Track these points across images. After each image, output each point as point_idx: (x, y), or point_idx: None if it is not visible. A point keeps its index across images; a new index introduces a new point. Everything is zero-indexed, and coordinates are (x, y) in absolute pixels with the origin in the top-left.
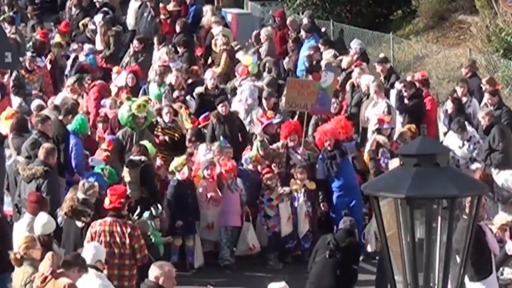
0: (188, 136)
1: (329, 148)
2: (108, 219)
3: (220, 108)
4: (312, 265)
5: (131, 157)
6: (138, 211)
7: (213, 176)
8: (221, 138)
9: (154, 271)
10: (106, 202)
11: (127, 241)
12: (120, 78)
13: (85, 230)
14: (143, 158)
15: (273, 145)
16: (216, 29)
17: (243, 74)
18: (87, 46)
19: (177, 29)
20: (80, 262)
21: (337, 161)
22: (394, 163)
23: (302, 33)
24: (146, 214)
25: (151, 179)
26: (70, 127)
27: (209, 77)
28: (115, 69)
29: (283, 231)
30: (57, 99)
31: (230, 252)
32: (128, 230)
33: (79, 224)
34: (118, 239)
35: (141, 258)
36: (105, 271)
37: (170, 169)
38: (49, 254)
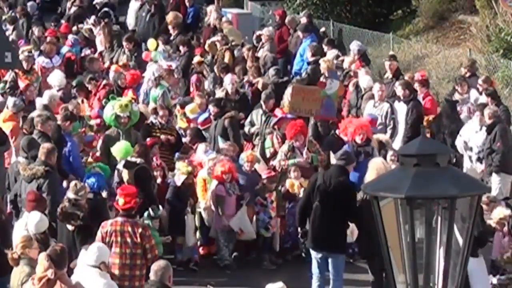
0: (187, 136)
1: (359, 142)
2: (119, 219)
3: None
4: (302, 209)
5: (129, 158)
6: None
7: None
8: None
9: (153, 270)
10: (120, 202)
11: (139, 240)
12: (52, 77)
13: (76, 233)
14: (138, 160)
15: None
16: (226, 29)
17: (146, 58)
18: (71, 37)
19: (171, 31)
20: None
21: (359, 160)
22: (374, 163)
23: (299, 33)
24: (145, 215)
25: (146, 181)
26: None
27: (229, 82)
28: (113, 67)
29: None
30: (43, 98)
31: (229, 252)
32: (140, 230)
33: (70, 227)
34: (129, 239)
35: (151, 258)
36: (117, 272)
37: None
38: (44, 255)
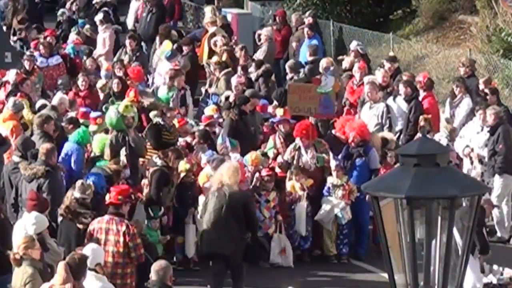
0: (196, 138)
1: (352, 145)
2: (106, 216)
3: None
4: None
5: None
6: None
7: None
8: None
9: (154, 270)
10: (107, 198)
11: (121, 239)
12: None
13: (85, 231)
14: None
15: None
16: (211, 29)
17: None
18: (72, 36)
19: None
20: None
21: (352, 160)
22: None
23: (306, 29)
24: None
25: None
26: (72, 138)
27: (235, 83)
28: (105, 66)
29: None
30: (54, 99)
31: None
32: (124, 228)
33: (80, 226)
34: (112, 237)
35: (136, 257)
36: None
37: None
38: (63, 265)
